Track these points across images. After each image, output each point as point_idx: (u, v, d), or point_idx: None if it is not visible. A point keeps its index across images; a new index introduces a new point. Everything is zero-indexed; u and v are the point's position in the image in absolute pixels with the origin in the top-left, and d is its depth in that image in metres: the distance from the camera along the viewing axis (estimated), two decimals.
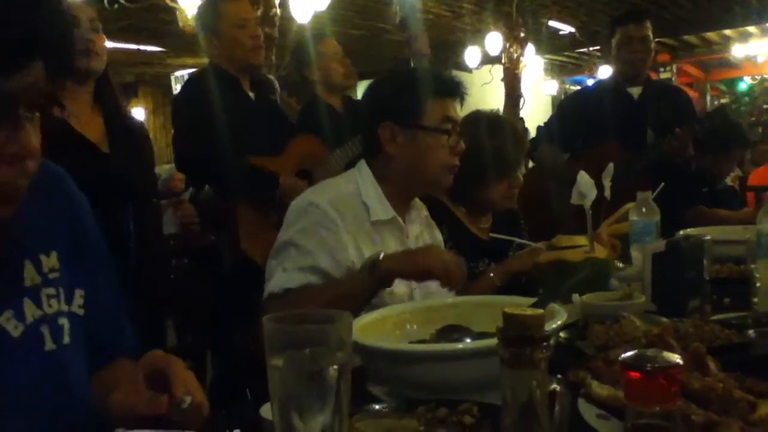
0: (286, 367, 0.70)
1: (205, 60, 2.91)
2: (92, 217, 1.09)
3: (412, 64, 2.63)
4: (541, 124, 3.55)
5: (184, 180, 2.68)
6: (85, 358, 1.03)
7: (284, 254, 1.64)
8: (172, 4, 4.84)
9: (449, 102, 1.74)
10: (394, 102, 1.74)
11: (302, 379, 0.70)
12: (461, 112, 1.84)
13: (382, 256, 1.49)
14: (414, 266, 1.50)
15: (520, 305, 1.04)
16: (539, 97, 12.22)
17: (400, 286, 1.63)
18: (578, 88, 13.25)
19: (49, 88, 0.82)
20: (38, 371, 0.94)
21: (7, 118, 0.80)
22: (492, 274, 1.95)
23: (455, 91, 1.76)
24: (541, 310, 0.63)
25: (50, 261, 0.99)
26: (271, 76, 3.42)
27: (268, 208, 2.67)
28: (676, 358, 0.69)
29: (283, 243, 1.66)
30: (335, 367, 0.71)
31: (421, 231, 1.84)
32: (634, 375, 0.69)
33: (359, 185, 1.72)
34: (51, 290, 0.98)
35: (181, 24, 4.82)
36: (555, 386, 0.64)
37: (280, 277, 1.60)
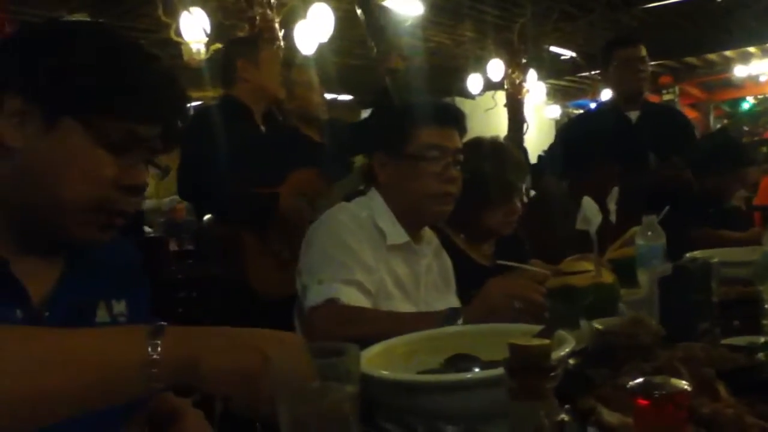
0: (295, 402, 0.70)
1: (210, 93, 2.98)
2: (148, 276, 1.23)
3: (387, 83, 2.69)
4: (542, 153, 3.57)
5: (185, 210, 2.72)
6: None
7: (316, 268, 1.63)
8: (177, 39, 4.90)
9: (439, 130, 1.74)
10: (383, 131, 1.77)
11: (311, 413, 0.70)
12: (465, 138, 1.85)
13: (461, 316, 1.45)
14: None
15: (527, 333, 1.04)
16: (543, 122, 12.27)
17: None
18: (581, 111, 13.29)
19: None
20: None
21: (135, 155, 1.00)
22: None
23: (444, 118, 1.76)
24: (547, 340, 0.63)
25: (120, 306, 1.11)
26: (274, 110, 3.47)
27: (270, 236, 2.68)
28: (684, 385, 0.69)
29: (312, 258, 1.67)
30: (344, 400, 0.71)
31: (430, 262, 1.84)
32: (643, 402, 0.69)
33: (372, 211, 1.74)
34: None
35: (186, 58, 4.88)
36: (563, 416, 0.64)
37: (318, 289, 1.59)
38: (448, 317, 1.47)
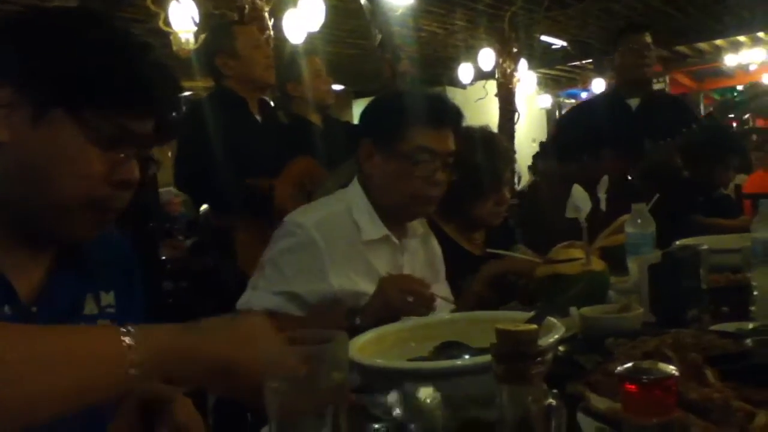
0: (284, 389, 0.70)
1: (200, 83, 2.96)
2: (140, 267, 1.22)
3: (396, 84, 2.65)
4: (542, 141, 3.58)
5: (181, 203, 2.72)
6: None
7: (261, 273, 1.64)
8: (166, 29, 4.86)
9: (435, 132, 1.68)
10: (376, 121, 1.74)
11: (300, 400, 0.70)
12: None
13: (358, 320, 1.49)
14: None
15: (516, 320, 1.05)
16: (534, 112, 12.27)
17: None
18: (572, 101, 13.28)
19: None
20: None
21: (125, 150, 0.97)
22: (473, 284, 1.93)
23: (442, 120, 1.71)
24: (533, 326, 0.63)
25: (108, 298, 1.10)
26: (267, 97, 3.44)
27: (265, 227, 2.68)
28: (672, 370, 0.70)
29: (263, 261, 1.66)
30: (332, 387, 0.71)
31: (416, 248, 1.83)
32: (631, 387, 0.69)
33: (350, 203, 1.71)
34: (106, 322, 1.07)
35: (175, 48, 4.84)
36: (550, 401, 0.64)
37: (249, 294, 1.62)
38: (348, 316, 1.51)
